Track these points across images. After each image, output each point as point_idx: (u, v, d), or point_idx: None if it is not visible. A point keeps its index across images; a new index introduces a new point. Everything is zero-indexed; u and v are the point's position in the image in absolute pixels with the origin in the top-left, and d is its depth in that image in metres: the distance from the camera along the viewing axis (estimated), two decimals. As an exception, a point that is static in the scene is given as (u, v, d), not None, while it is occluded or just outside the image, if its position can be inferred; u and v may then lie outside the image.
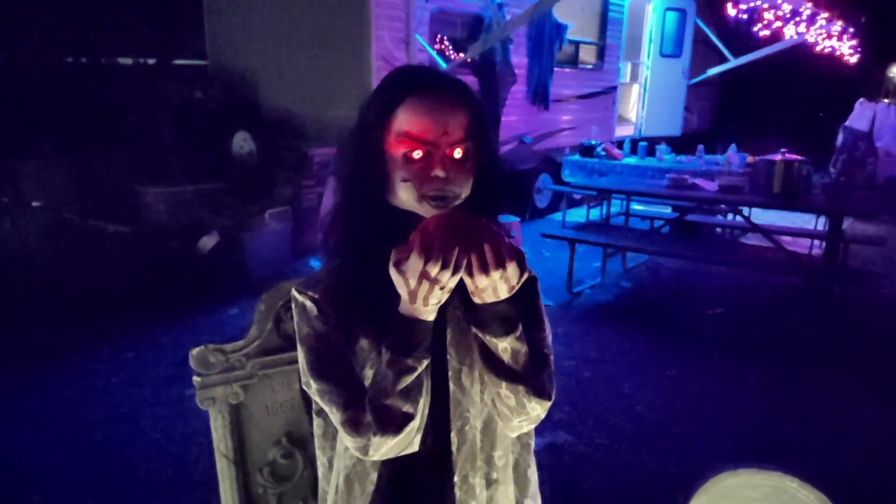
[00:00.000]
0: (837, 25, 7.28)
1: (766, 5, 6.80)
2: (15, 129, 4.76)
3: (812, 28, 7.13)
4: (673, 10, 8.83)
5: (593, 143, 6.87)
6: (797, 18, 7.01)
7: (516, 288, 0.83)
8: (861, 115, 6.88)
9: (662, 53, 8.94)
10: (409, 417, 0.85)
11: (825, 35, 7.31)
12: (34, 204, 4.68)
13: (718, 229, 6.02)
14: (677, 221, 5.33)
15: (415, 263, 0.77)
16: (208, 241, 4.35)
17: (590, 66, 7.98)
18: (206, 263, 4.33)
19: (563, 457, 2.49)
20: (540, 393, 0.90)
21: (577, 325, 4.00)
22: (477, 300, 0.84)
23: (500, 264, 0.79)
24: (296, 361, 0.97)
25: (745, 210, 5.06)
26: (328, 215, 0.96)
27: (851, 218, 5.96)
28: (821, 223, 5.61)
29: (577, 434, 2.65)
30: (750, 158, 5.86)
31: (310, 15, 5.73)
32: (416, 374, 0.84)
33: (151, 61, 6.01)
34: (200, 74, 6.40)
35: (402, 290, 0.80)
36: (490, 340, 0.87)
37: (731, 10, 7.13)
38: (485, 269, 0.79)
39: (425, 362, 0.85)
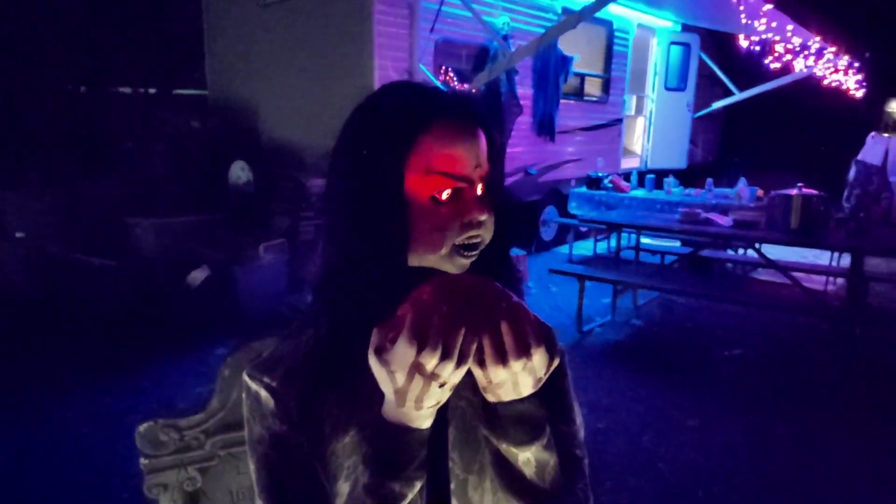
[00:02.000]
0: (844, 60, 7.20)
1: (777, 38, 6.70)
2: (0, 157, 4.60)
3: (820, 62, 7.03)
4: (677, 44, 8.81)
5: (600, 174, 6.72)
6: (806, 52, 6.91)
7: (543, 380, 0.61)
8: (873, 149, 6.72)
9: (667, 87, 8.88)
10: None
11: (832, 69, 7.23)
12: (17, 235, 4.49)
13: (729, 264, 5.81)
14: (690, 257, 5.13)
15: (404, 352, 0.56)
16: (198, 276, 4.13)
17: (595, 99, 7.89)
18: (196, 299, 4.11)
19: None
20: None
21: (588, 367, 3.76)
22: (490, 398, 0.62)
23: (524, 351, 0.58)
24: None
25: (759, 245, 4.86)
26: (319, 276, 0.73)
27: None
28: (835, 259, 5.44)
29: (595, 497, 2.38)
30: (760, 192, 5.72)
31: (311, 44, 5.63)
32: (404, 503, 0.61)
33: (151, 91, 5.92)
34: (199, 104, 6.30)
35: (387, 388, 0.58)
36: (508, 450, 0.65)
37: (743, 42, 7.04)
38: (502, 359, 0.57)
39: (418, 485, 0.62)
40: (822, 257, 5.64)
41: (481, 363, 0.58)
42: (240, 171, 5.28)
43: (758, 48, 6.77)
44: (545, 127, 6.83)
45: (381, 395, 0.61)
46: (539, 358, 0.59)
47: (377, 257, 0.67)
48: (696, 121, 9.40)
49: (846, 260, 4.92)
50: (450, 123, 0.67)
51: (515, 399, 0.61)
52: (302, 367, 0.70)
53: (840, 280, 5.03)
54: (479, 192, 0.68)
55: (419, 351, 0.55)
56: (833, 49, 7.14)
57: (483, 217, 0.67)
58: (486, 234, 0.69)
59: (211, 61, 6.53)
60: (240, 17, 6.20)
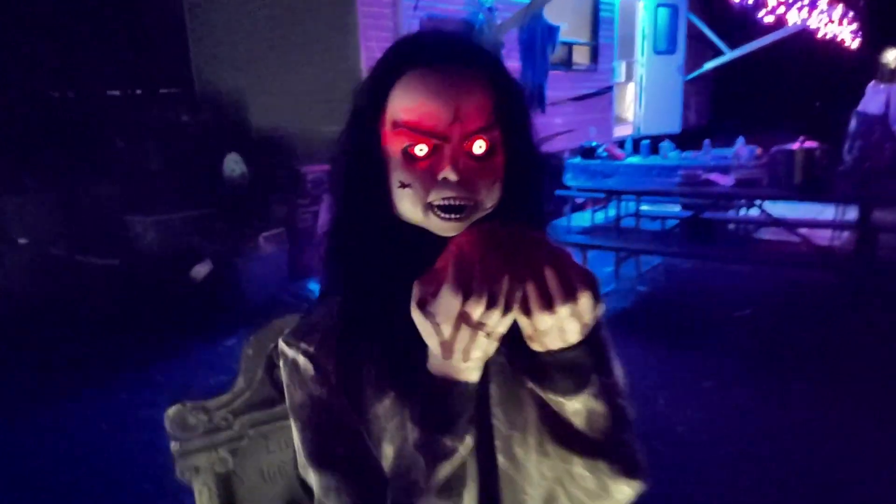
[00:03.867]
0: (838, 9, 7.11)
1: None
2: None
3: (814, 13, 6.94)
4: (664, 6, 8.69)
5: (594, 144, 6.67)
6: (799, 3, 6.82)
7: (590, 326, 0.60)
8: (873, 99, 6.64)
9: (656, 51, 8.79)
10: None
11: (827, 20, 7.15)
12: (20, 241, 4.46)
13: (732, 225, 5.79)
14: (692, 220, 5.11)
15: (449, 302, 0.55)
16: (201, 270, 4.12)
17: (584, 68, 7.82)
18: (201, 292, 4.10)
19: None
20: (630, 469, 0.66)
21: (597, 335, 3.75)
22: (536, 347, 0.61)
23: (569, 295, 0.56)
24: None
25: (763, 203, 4.84)
26: (323, 236, 0.72)
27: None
28: (840, 213, 5.41)
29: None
30: (759, 150, 5.67)
31: (295, 30, 5.55)
32: (457, 459, 0.61)
33: (138, 91, 5.86)
34: (187, 99, 6.24)
35: (432, 341, 0.57)
36: (556, 400, 0.64)
37: (735, -2, 6.95)
38: (548, 305, 0.56)
39: (469, 441, 0.61)
40: (824, 213, 5.61)
41: (526, 311, 0.57)
42: (233, 164, 5.23)
43: (750, 1, 6.66)
44: (535, 99, 6.75)
45: (422, 353, 0.60)
46: (585, 302, 0.57)
47: (364, 215, 0.66)
48: (688, 83, 9.34)
49: (851, 214, 4.89)
50: (421, 72, 0.62)
51: (563, 347, 0.60)
52: (336, 330, 0.68)
53: (845, 234, 5.01)
54: (475, 150, 0.63)
55: (464, 300, 0.54)
56: (827, -1, 7.07)
57: (452, 176, 0.61)
58: (475, 196, 0.63)
59: (197, 55, 6.44)
60: (223, 8, 6.10)
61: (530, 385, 0.66)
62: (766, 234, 5.62)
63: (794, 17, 7.02)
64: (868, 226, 3.99)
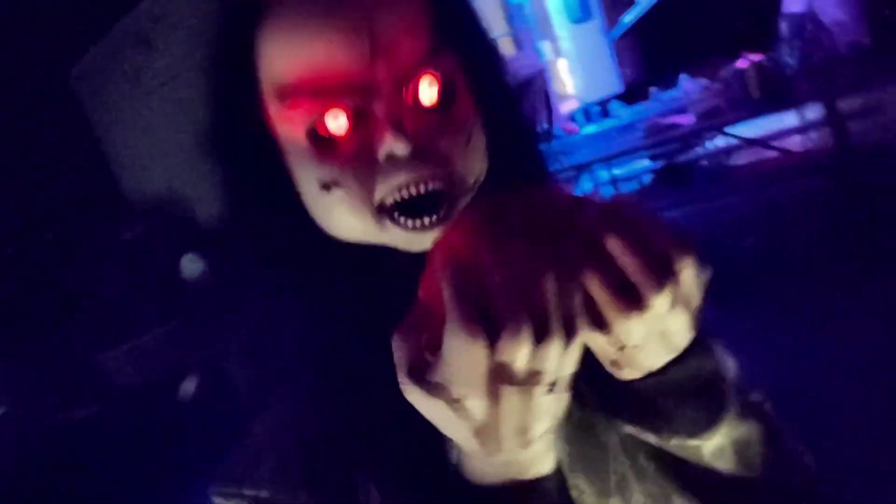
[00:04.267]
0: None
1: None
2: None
3: None
4: (566, -24, 8.69)
5: (545, 126, 6.53)
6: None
7: (700, 310, 0.37)
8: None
9: (574, 21, 8.76)
10: None
11: None
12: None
13: (705, 162, 5.66)
14: (668, 168, 4.99)
15: (463, 354, 0.29)
16: (189, 386, 3.85)
17: (511, 58, 7.75)
18: (196, 407, 3.82)
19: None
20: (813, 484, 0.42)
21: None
22: (629, 374, 0.37)
23: (663, 272, 0.33)
24: None
25: (728, 129, 4.71)
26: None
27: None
28: (801, 117, 5.32)
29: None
30: (705, 81, 5.59)
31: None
32: None
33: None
34: (118, 212, 5.98)
35: (459, 433, 0.32)
36: (683, 446, 0.39)
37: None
38: (634, 301, 0.33)
39: None
40: (785, 121, 5.54)
41: (599, 323, 0.34)
42: (190, 264, 4.98)
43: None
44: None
45: (444, 449, 0.37)
46: (689, 275, 0.35)
47: (276, 259, 0.43)
48: (617, 42, 9.32)
49: (811, 114, 4.79)
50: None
51: (672, 360, 0.37)
52: (294, 451, 0.45)
53: (815, 135, 4.92)
54: (423, 97, 0.38)
55: (490, 342, 0.30)
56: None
57: (402, 148, 0.36)
58: (446, 169, 0.38)
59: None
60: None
61: (629, 431, 0.41)
62: (742, 158, 5.49)
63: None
64: (837, 117, 3.89)
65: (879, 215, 3.54)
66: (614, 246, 0.31)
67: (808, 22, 6.27)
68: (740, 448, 0.39)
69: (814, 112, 4.85)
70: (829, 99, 3.84)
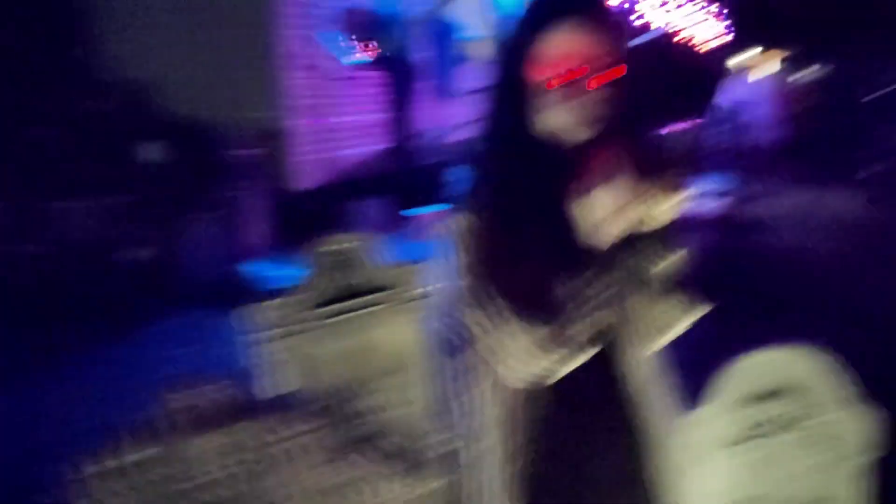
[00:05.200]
0: (714, 7, 7.53)
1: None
2: None
3: (680, 11, 7.09)
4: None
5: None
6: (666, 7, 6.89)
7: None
8: (728, 94, 7.38)
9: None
10: None
11: (698, 19, 7.54)
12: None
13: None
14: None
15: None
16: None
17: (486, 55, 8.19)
18: (139, 277, 4.09)
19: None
20: None
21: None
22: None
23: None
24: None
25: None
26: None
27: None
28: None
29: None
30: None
31: (212, 20, 5.53)
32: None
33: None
34: (95, 86, 5.92)
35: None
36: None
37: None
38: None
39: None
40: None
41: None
42: (152, 151, 5.14)
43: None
44: (445, 89, 7.06)
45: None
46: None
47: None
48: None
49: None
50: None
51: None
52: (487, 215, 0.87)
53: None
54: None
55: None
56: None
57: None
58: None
59: (102, 39, 6.16)
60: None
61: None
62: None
63: (659, 20, 6.93)
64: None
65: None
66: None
67: (741, 110, 7.21)
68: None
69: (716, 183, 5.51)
70: (735, 174, 4.60)
